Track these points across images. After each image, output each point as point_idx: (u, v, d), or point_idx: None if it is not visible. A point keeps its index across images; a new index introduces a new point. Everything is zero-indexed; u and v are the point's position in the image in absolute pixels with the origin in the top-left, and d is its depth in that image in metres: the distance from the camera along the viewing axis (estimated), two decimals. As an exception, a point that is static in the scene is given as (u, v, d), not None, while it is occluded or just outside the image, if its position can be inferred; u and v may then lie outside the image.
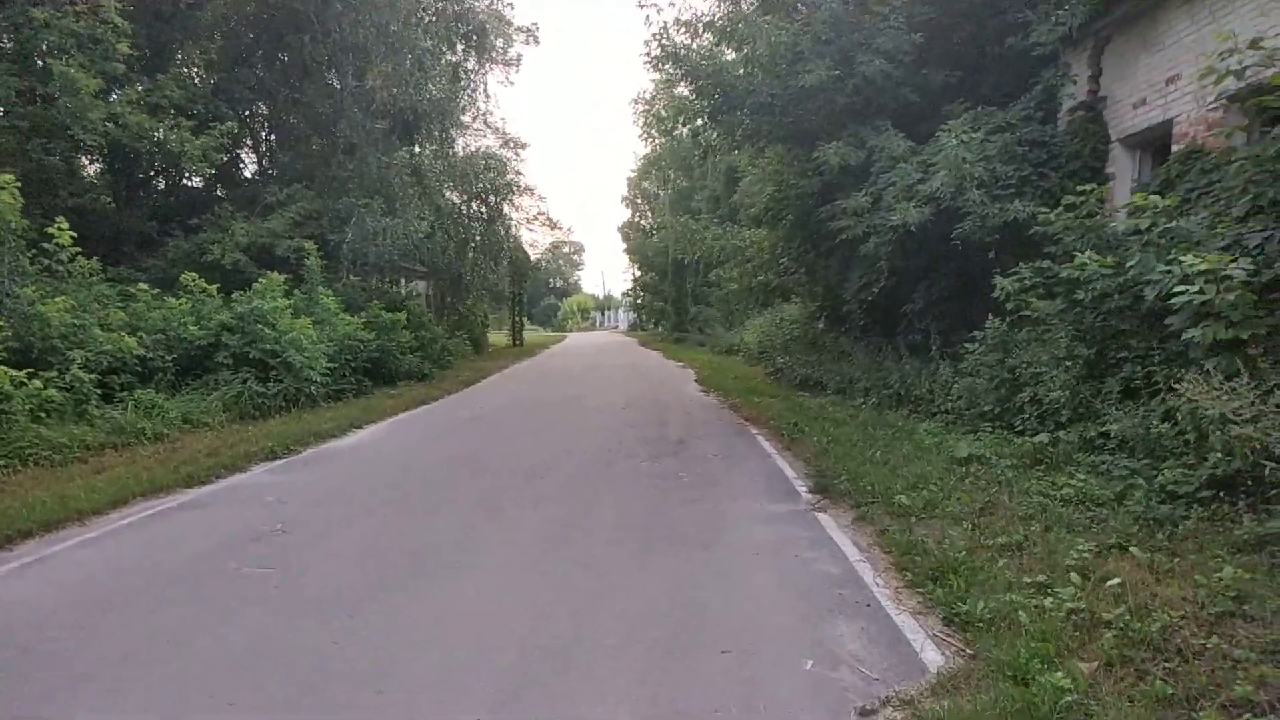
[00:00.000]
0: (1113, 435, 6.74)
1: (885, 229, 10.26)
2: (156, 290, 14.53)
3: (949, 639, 4.08)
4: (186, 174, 21.95)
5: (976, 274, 10.66)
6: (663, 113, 13.97)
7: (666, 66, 13.27)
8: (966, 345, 9.19)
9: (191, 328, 13.65)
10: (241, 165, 23.78)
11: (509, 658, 3.90)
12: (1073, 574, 4.47)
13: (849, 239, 11.42)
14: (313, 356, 14.41)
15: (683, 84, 13.99)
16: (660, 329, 52.93)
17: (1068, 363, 7.67)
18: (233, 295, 14.76)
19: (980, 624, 4.08)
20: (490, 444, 10.49)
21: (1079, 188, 8.14)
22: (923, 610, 4.47)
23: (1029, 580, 4.49)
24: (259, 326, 13.88)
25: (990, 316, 9.02)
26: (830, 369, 15.42)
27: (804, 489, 7.49)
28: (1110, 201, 9.36)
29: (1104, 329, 7.40)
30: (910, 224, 9.61)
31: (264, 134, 24.09)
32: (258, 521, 6.72)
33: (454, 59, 25.78)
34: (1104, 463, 6.59)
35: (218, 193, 22.15)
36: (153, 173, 23.30)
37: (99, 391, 10.72)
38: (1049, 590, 4.33)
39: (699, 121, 15.56)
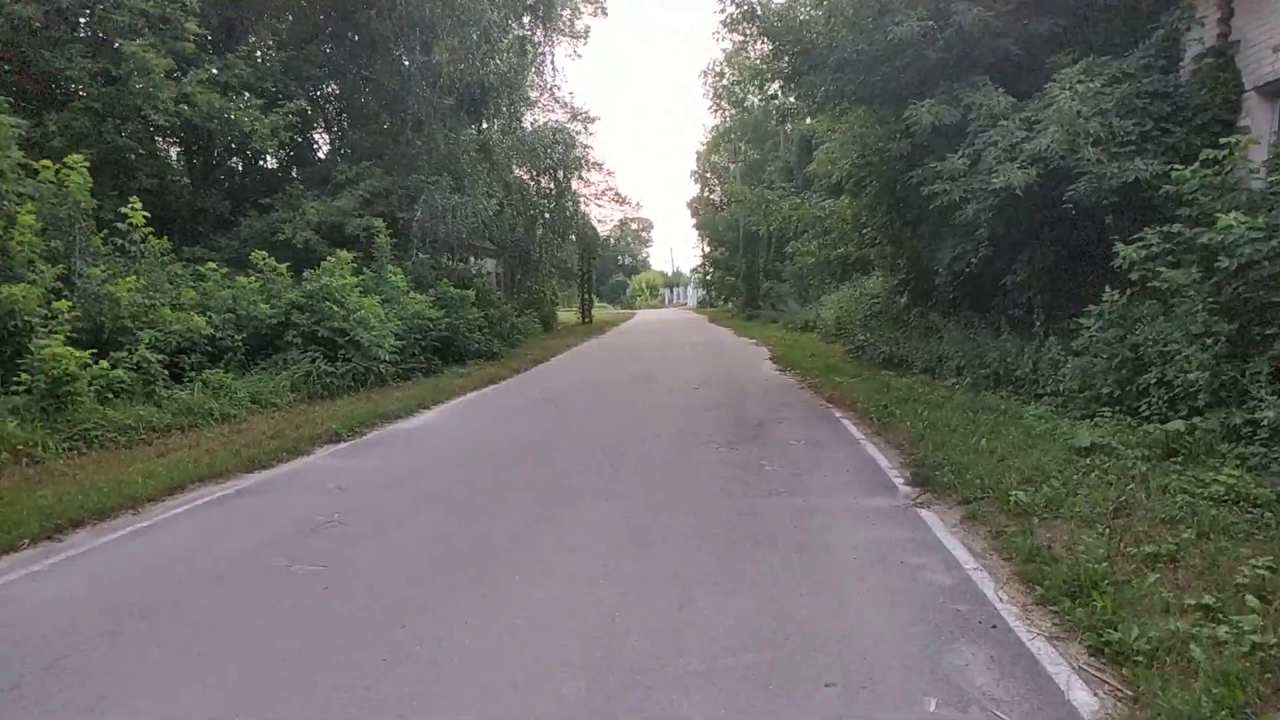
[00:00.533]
0: (1264, 423, 5.86)
1: (985, 193, 9.36)
2: (227, 269, 14.53)
3: (1100, 675, 3.39)
4: (261, 154, 22.12)
5: (1087, 242, 9.69)
6: (735, 79, 13.16)
7: (742, 26, 12.49)
8: (1080, 321, 8.27)
9: (262, 306, 13.58)
10: (315, 145, 23.84)
11: (578, 686, 3.39)
12: (1248, 595, 3.73)
13: (943, 205, 10.53)
14: (381, 335, 14.22)
15: (759, 44, 13.21)
16: (731, 306, 51.94)
17: (1206, 340, 6.74)
18: (303, 274, 14.69)
19: (1139, 658, 3.38)
20: (559, 427, 10.04)
21: (1222, 140, 7.15)
22: (1061, 635, 3.78)
23: (1192, 602, 3.77)
24: (327, 305, 13.75)
25: (1106, 289, 8.10)
26: (916, 346, 14.53)
27: (901, 481, 6.79)
28: (1245, 157, 8.29)
29: (1249, 301, 6.47)
30: (1015, 186, 8.70)
31: (334, 113, 24.09)
32: (316, 510, 6.40)
33: (521, 32, 25.32)
34: (1256, 455, 5.73)
35: (292, 173, 22.27)
36: (228, 154, 23.57)
37: (167, 372, 10.65)
38: (1221, 616, 3.60)
39: (775, 86, 14.75)
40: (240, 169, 23.48)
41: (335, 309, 13.80)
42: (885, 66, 11.11)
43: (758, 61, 13.32)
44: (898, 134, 11.47)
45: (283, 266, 14.74)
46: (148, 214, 12.30)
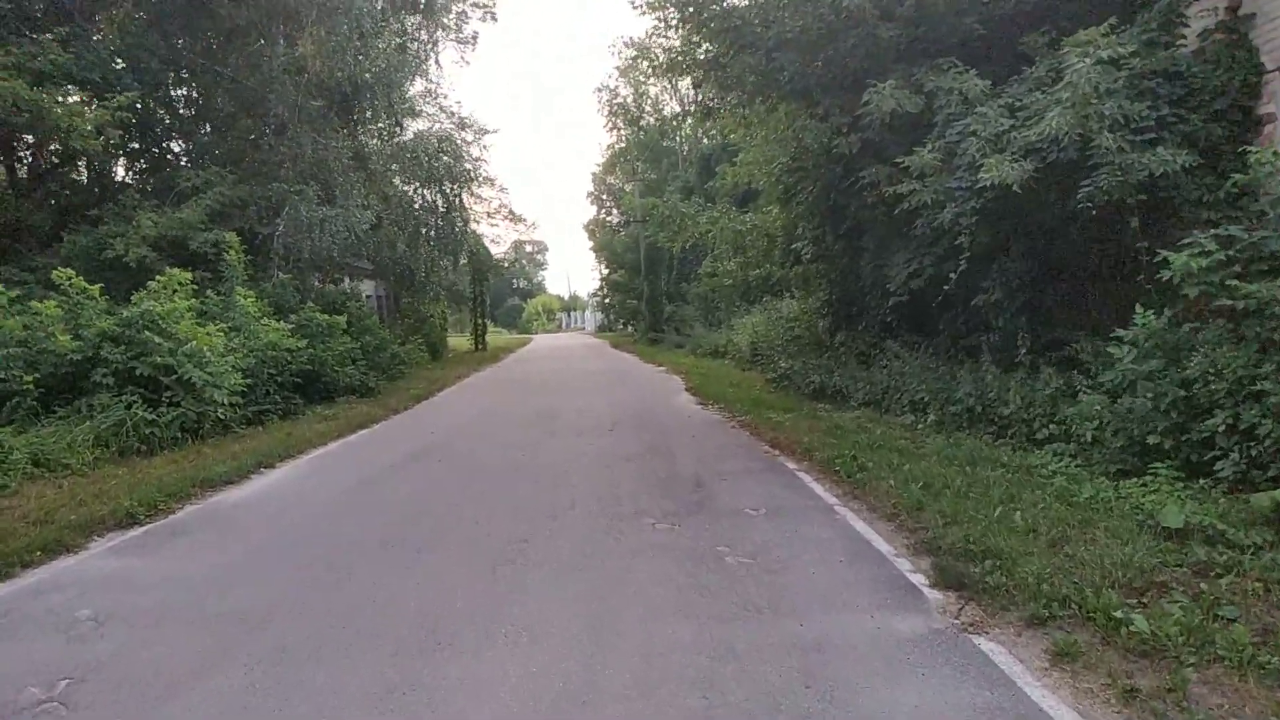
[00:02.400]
0: None
1: (968, 193, 7.65)
2: (17, 294, 11.55)
3: None
4: (105, 164, 18.82)
5: (1084, 250, 8.11)
6: (646, 76, 11.14)
7: (663, 7, 10.56)
8: (1112, 349, 6.54)
9: (62, 338, 10.68)
10: (170, 154, 20.55)
11: None
12: None
13: (906, 211, 8.82)
14: (219, 372, 11.46)
15: (675, 31, 11.32)
16: (632, 330, 50.15)
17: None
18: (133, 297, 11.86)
19: None
20: (437, 498, 7.62)
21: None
22: None
23: None
24: (149, 335, 10.93)
25: (1139, 308, 6.44)
26: (854, 376, 12.91)
27: (922, 580, 4.81)
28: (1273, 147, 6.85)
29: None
30: (1011, 183, 6.99)
31: (190, 115, 20.89)
32: (34, 672, 3.90)
33: (398, 25, 22.76)
34: None
35: (149, 184, 19.02)
36: (65, 161, 20.11)
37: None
38: None
39: (685, 84, 12.86)
40: (85, 180, 20.05)
41: (160, 340, 11.01)
42: (830, 47, 9.39)
43: (674, 48, 11.39)
44: (844, 128, 9.72)
45: (96, 288, 11.82)
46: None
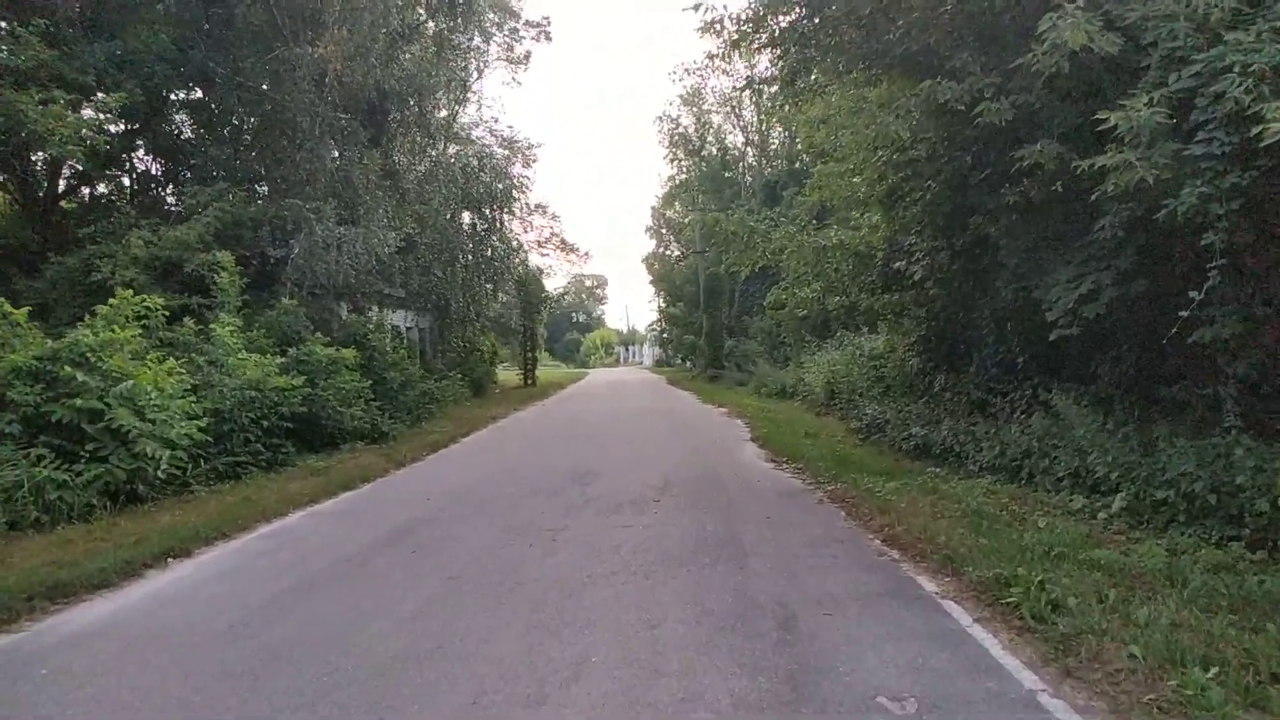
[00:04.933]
0: None
1: (1223, 162, 4.77)
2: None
3: None
4: (89, 173, 17.06)
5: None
6: (728, 40, 8.32)
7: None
8: None
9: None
10: (166, 165, 18.73)
11: None
12: None
13: (1085, 207, 5.95)
14: (162, 419, 9.08)
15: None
16: (690, 365, 47.28)
17: None
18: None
19: None
20: (396, 635, 4.95)
21: None
22: None
23: None
24: (70, 371, 8.63)
25: None
26: (969, 431, 10.06)
27: None
28: None
29: None
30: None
31: (202, 123, 19.07)
32: None
33: (436, 32, 20.66)
34: None
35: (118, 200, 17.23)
36: (80, 179, 18.50)
37: None
38: None
39: (764, 60, 10.25)
40: (88, 198, 18.42)
41: (87, 379, 8.70)
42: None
43: (756, 9, 8.70)
44: (988, 90, 6.86)
45: (21, 313, 9.64)
46: None
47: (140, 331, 10.29)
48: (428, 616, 5.07)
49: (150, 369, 9.49)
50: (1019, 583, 4.86)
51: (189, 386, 10.24)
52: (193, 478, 9.73)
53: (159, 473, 8.81)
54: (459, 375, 24.87)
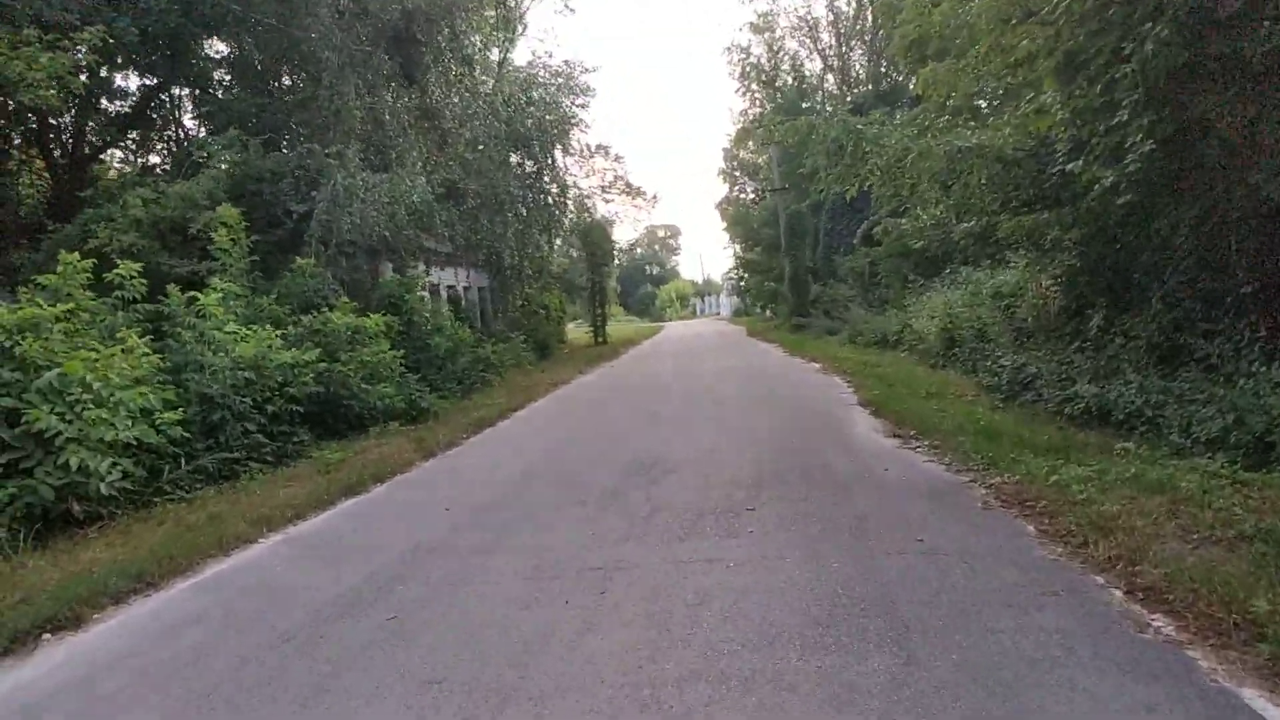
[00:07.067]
0: None
1: None
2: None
3: None
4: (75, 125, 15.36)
5: None
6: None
7: None
8: None
9: None
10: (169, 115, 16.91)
11: None
12: None
13: None
14: (105, 417, 7.04)
15: None
16: (771, 314, 44.15)
17: None
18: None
19: None
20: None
21: None
22: None
23: None
24: (-18, 362, 6.66)
25: None
26: (1166, 390, 7.41)
27: None
28: None
29: None
30: None
31: (206, 70, 17.14)
32: None
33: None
34: None
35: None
36: (79, 140, 17.02)
37: None
38: None
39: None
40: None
41: (6, 372, 6.73)
42: None
43: None
44: None
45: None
46: None
47: (112, 303, 8.37)
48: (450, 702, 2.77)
49: (96, 353, 7.46)
50: None
51: (157, 370, 8.24)
52: (168, 484, 7.77)
53: (102, 487, 6.80)
54: (522, 337, 22.77)
